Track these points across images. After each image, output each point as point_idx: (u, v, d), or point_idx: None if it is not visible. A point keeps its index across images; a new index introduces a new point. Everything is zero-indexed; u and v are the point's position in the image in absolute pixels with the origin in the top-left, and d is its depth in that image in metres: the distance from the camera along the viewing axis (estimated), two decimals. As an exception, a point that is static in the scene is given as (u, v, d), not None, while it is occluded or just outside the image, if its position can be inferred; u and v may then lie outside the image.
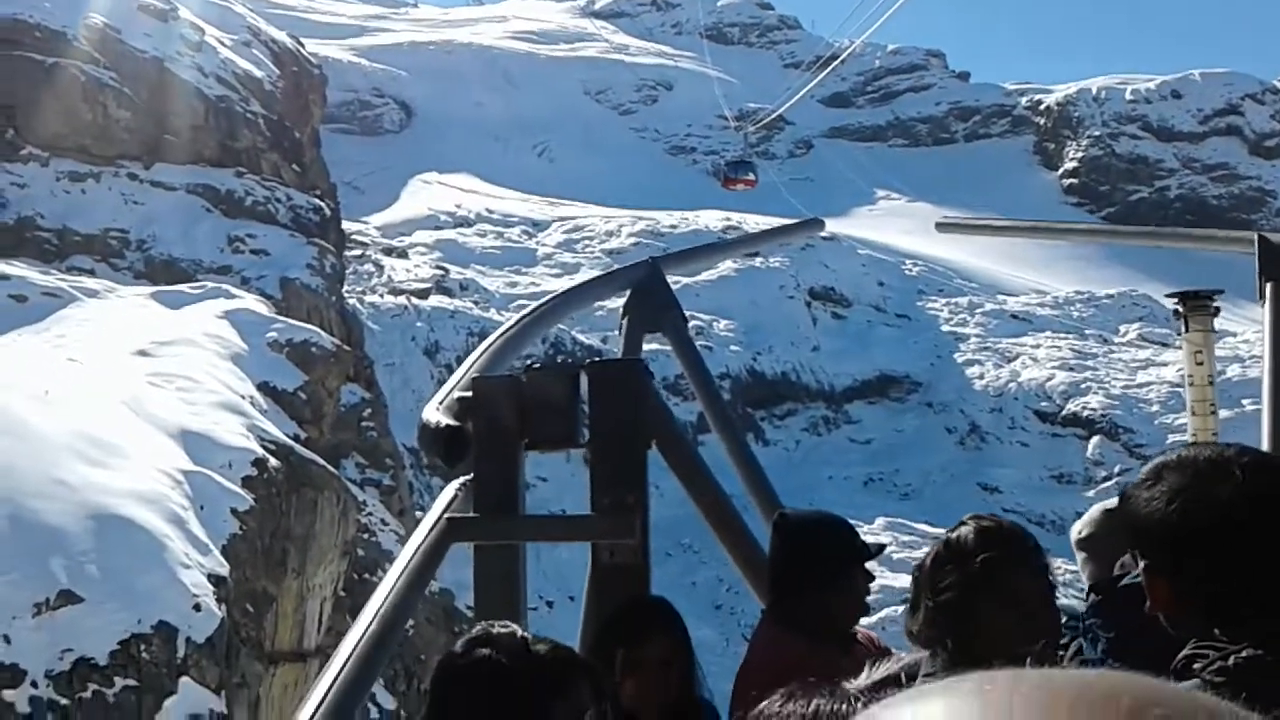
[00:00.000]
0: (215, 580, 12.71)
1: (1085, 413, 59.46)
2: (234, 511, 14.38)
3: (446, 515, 3.41)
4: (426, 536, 3.32)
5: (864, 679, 2.07)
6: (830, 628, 3.08)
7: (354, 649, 2.81)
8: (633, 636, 2.97)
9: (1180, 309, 7.45)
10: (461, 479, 3.58)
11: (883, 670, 2.10)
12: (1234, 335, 60.78)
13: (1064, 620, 3.72)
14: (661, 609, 3.14)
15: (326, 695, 2.69)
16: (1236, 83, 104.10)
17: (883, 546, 3.29)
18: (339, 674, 2.74)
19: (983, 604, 2.18)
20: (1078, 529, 3.45)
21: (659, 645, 2.97)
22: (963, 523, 2.33)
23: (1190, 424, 7.39)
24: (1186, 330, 7.38)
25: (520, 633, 1.98)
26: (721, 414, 6.22)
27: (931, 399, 63.03)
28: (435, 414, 3.59)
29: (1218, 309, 7.54)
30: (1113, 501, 3.08)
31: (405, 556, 3.25)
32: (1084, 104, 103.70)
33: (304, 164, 37.15)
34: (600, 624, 3.21)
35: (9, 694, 10.38)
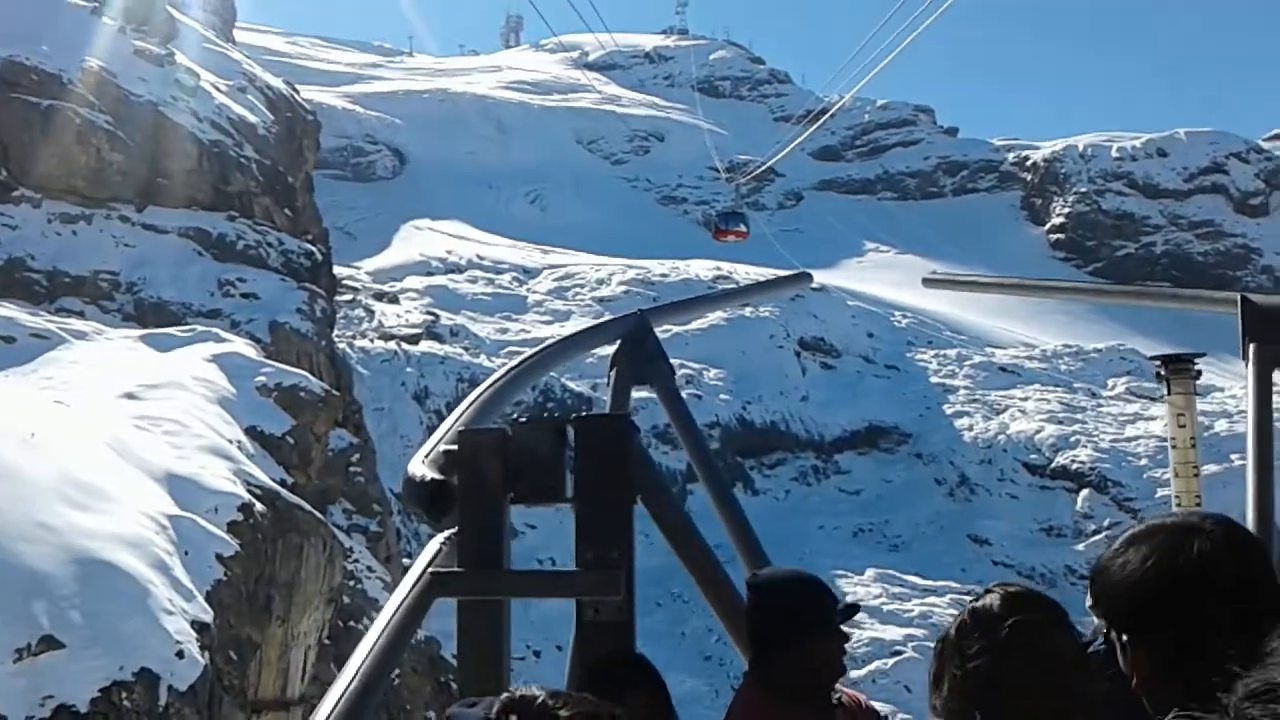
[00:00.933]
0: (199, 627, 12.56)
1: (1074, 465, 59.54)
2: (219, 557, 14.24)
3: (430, 570, 3.41)
4: (410, 591, 3.31)
5: None
6: (807, 688, 3.07)
7: (336, 705, 2.79)
8: (610, 693, 2.96)
9: (1162, 371, 7.50)
10: (446, 533, 3.58)
11: None
12: (1221, 390, 61.09)
13: None
14: (640, 666, 3.12)
15: None
16: (1221, 141, 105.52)
17: (857, 607, 3.29)
18: None
19: (1012, 671, 2.10)
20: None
21: (637, 702, 2.95)
22: (988, 590, 2.24)
23: (1174, 485, 7.40)
24: (1169, 393, 7.43)
25: (542, 697, 1.93)
26: (708, 466, 6.22)
27: (921, 450, 63.07)
28: (420, 467, 3.59)
29: (1199, 372, 7.60)
30: None
31: (389, 611, 3.24)
32: (1070, 160, 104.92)
33: (296, 209, 37.28)
34: (579, 680, 3.20)
35: (-15, 741, 10.20)
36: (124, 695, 11.17)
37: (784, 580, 3.33)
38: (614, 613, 3.47)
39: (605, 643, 3.43)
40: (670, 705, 3.03)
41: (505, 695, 1.89)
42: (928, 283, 13.14)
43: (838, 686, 3.23)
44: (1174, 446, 7.35)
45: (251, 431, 19.05)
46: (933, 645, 2.27)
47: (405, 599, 3.27)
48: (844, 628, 3.20)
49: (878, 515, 58.03)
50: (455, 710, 2.47)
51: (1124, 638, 1.88)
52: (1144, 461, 57.65)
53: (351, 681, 2.86)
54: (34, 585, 11.24)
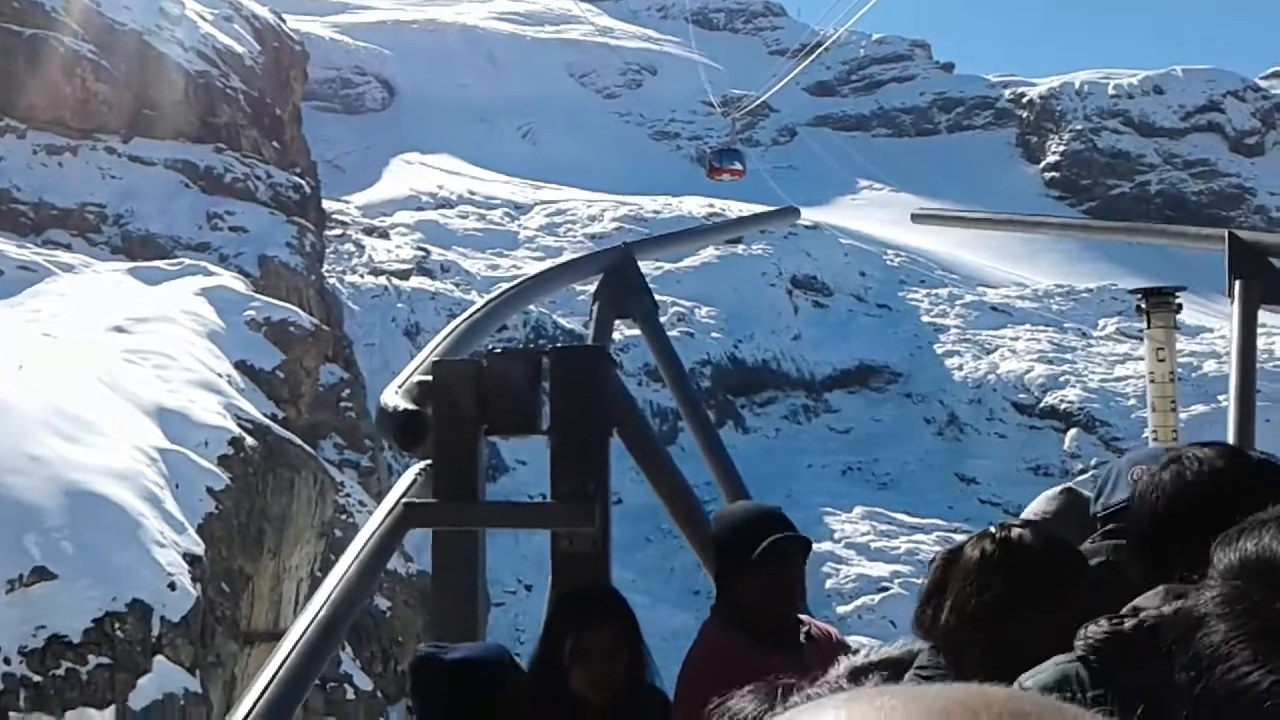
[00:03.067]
0: (190, 559, 12.63)
1: (1063, 405, 59.84)
2: (210, 490, 14.29)
3: (404, 500, 3.39)
4: (383, 521, 3.30)
5: (843, 666, 2.00)
6: (766, 617, 3.08)
7: (305, 630, 2.78)
8: (579, 625, 2.97)
9: (1143, 305, 7.47)
10: (421, 463, 3.55)
11: (881, 653, 2.04)
12: (1211, 331, 61.30)
13: None
14: (608, 597, 3.14)
15: (274, 678, 2.65)
16: (1219, 79, 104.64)
17: (810, 541, 3.28)
18: (286, 658, 2.70)
19: (1034, 609, 2.05)
20: (1035, 511, 3.37)
21: (605, 634, 2.97)
22: (1013, 525, 2.21)
23: (1150, 420, 7.39)
24: (1149, 326, 7.40)
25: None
26: (690, 401, 6.21)
27: (911, 389, 63.29)
28: (394, 398, 3.56)
29: (1179, 305, 7.57)
30: (1068, 484, 3.09)
31: (361, 540, 3.23)
32: (1067, 98, 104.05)
33: (284, 141, 36.86)
34: (549, 613, 3.21)
35: (-20, 671, 10.29)
36: (116, 626, 11.26)
37: (743, 511, 3.35)
38: (588, 544, 3.46)
39: (581, 574, 3.43)
40: (640, 636, 3.05)
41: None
42: (917, 218, 13.14)
43: (807, 619, 3.24)
44: (1152, 380, 7.34)
45: (241, 366, 19.02)
46: (930, 565, 2.22)
47: (378, 529, 3.26)
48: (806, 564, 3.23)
49: (867, 454, 58.38)
50: (424, 649, 2.47)
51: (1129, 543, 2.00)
52: (1132, 402, 57.97)
53: (322, 607, 2.86)
54: (25, 517, 11.27)
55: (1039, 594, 2.05)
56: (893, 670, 2.01)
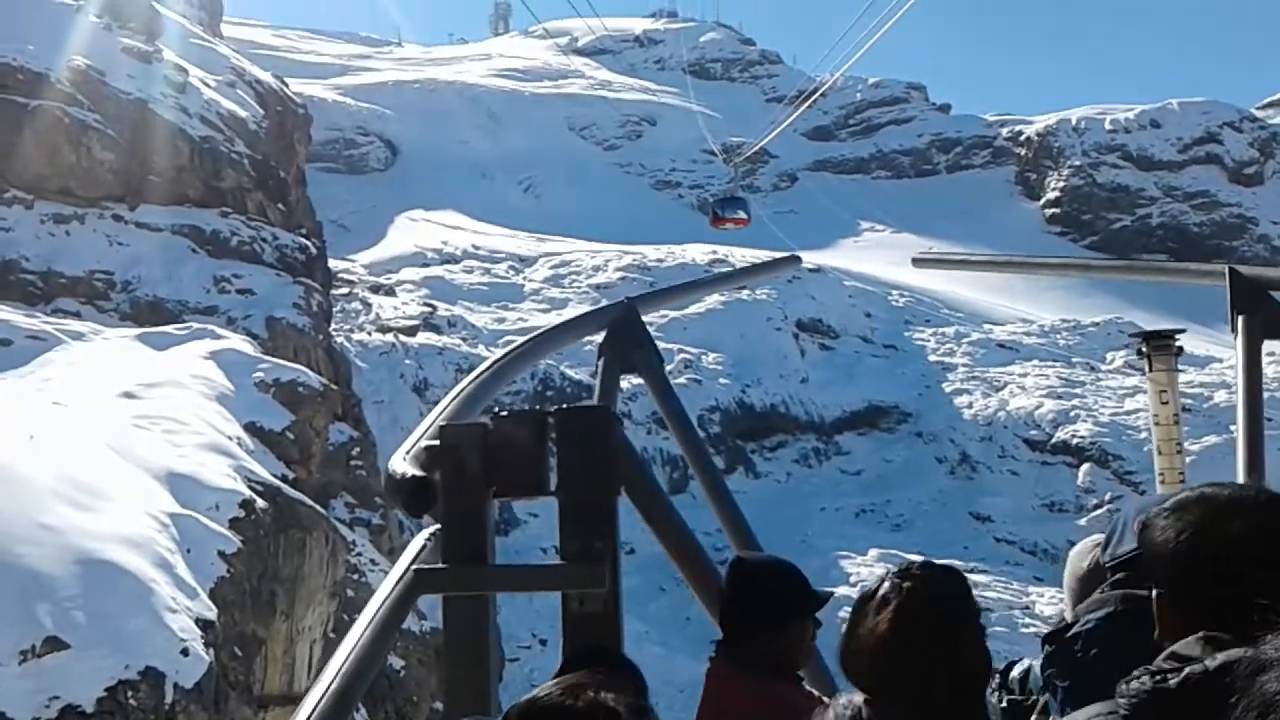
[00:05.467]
0: (203, 624, 12.56)
1: (1075, 440, 59.58)
2: (221, 554, 14.24)
3: (414, 566, 3.40)
4: (394, 588, 3.31)
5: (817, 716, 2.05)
6: (778, 669, 3.14)
7: (319, 701, 2.77)
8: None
9: (1143, 349, 7.47)
10: (431, 528, 3.56)
11: (830, 713, 2.10)
12: (1220, 361, 61.11)
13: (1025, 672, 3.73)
14: (619, 663, 3.13)
15: None
16: (1215, 111, 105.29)
17: (830, 594, 3.39)
18: None
19: (927, 657, 2.17)
20: (1084, 562, 3.37)
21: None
22: (913, 569, 2.29)
23: (1157, 463, 7.37)
24: (1150, 369, 7.41)
25: (553, 697, 1.94)
26: (697, 452, 6.22)
27: (921, 429, 63.10)
28: (402, 464, 3.58)
29: (1180, 349, 7.60)
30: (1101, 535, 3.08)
31: (372, 608, 3.23)
32: (1064, 134, 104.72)
33: (289, 203, 37.17)
34: (559, 674, 3.20)
35: (-7, 744, 10.20)
36: (130, 694, 11.17)
37: (761, 564, 3.40)
38: (599, 604, 3.46)
39: (593, 634, 3.42)
40: (646, 701, 3.05)
41: (519, 704, 1.89)
42: (918, 263, 13.17)
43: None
44: (1157, 423, 7.32)
45: (251, 427, 19.03)
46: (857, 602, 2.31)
47: (389, 596, 3.26)
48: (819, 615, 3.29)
49: (879, 495, 58.09)
50: None
51: (1157, 591, 1.97)
52: (1144, 435, 57.64)
53: (335, 678, 2.85)
54: (37, 587, 11.23)
55: (923, 638, 2.12)
56: None
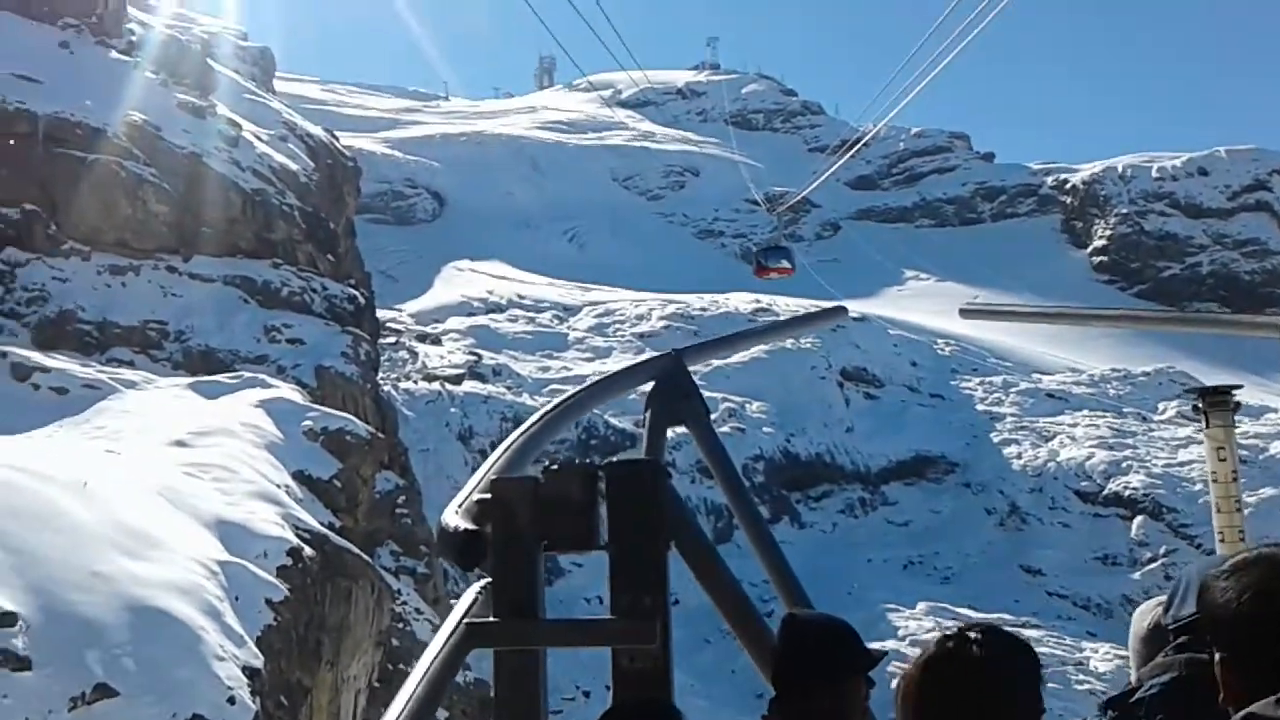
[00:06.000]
0: (250, 672, 12.59)
1: (1127, 492, 58.51)
2: (269, 602, 14.31)
3: (466, 620, 3.41)
4: (446, 642, 3.32)
5: None
6: None
7: None
8: None
9: (1200, 405, 7.35)
10: (482, 582, 3.58)
11: None
12: (1275, 411, 59.95)
13: None
14: (658, 709, 3.12)
15: None
16: (1263, 158, 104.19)
17: (885, 654, 3.34)
18: None
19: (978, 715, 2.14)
20: (1145, 622, 3.31)
21: None
22: (969, 631, 2.27)
23: (1216, 521, 7.23)
24: (1207, 426, 7.28)
25: None
26: (745, 506, 6.19)
27: (969, 479, 62.30)
28: (454, 517, 3.60)
29: (1238, 404, 7.46)
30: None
31: (425, 662, 3.24)
32: (1110, 182, 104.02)
33: (339, 254, 37.73)
34: None
35: (43, 791, 10.25)
36: (178, 743, 11.21)
37: (815, 621, 3.37)
38: (649, 661, 3.44)
39: (643, 690, 3.40)
40: None
41: None
42: (965, 314, 13.06)
43: None
44: (1215, 480, 7.18)
45: (299, 476, 19.19)
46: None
47: (441, 651, 3.27)
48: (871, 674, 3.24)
49: (927, 547, 57.28)
50: None
51: (1220, 655, 1.94)
52: (1198, 486, 56.50)
53: None
54: (88, 634, 11.34)
55: (981, 701, 2.11)
56: None
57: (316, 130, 43.74)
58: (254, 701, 12.35)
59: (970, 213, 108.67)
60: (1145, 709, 2.61)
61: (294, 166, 37.77)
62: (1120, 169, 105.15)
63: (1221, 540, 7.13)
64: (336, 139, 45.74)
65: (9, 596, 11.16)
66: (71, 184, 30.83)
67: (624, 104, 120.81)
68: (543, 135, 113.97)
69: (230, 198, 33.55)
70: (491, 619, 3.47)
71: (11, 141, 30.25)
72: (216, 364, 28.21)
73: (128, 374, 23.53)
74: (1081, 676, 42.07)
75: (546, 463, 4.40)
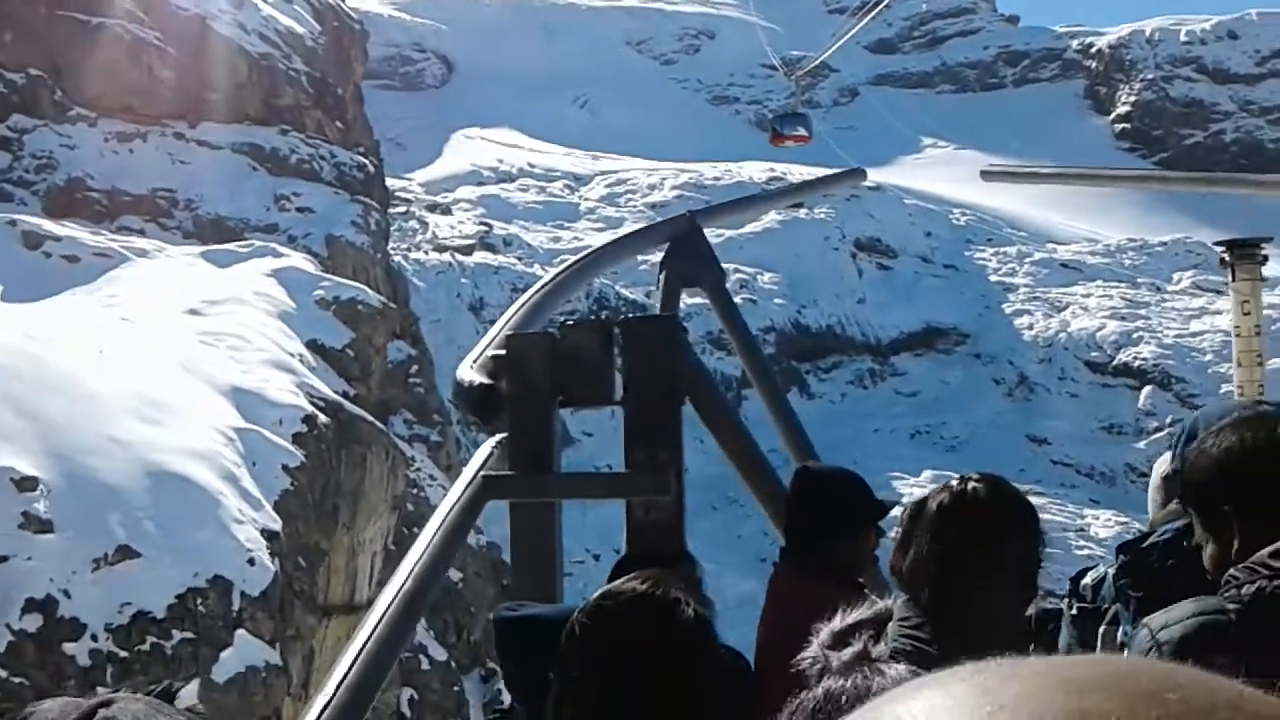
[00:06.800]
0: (268, 535, 12.93)
1: (1137, 363, 58.65)
2: (285, 468, 14.59)
3: (482, 473, 3.45)
4: (463, 494, 3.37)
5: (838, 621, 2.07)
6: (841, 575, 3.15)
7: (391, 602, 2.86)
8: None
9: (1227, 257, 7.30)
10: (497, 436, 3.60)
11: (855, 614, 2.09)
12: (1292, 282, 59.43)
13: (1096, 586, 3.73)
14: (677, 557, 3.19)
15: (365, 645, 2.74)
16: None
17: (894, 503, 3.38)
18: (376, 626, 2.79)
19: (983, 563, 2.19)
20: (1162, 468, 3.38)
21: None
22: (971, 478, 2.33)
23: (1236, 375, 7.26)
24: (1234, 279, 7.24)
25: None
26: (760, 368, 6.22)
27: (979, 350, 62.45)
28: (469, 372, 3.60)
29: (1266, 257, 7.40)
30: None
31: (442, 512, 3.30)
32: (1137, 46, 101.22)
33: (347, 121, 37.21)
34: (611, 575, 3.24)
35: (70, 647, 10.66)
36: (199, 601, 11.59)
37: (827, 472, 3.41)
38: (664, 513, 3.50)
39: (657, 542, 3.47)
40: (707, 603, 3.09)
41: (598, 593, 1.95)
42: (986, 175, 12.85)
43: None
44: (1238, 334, 7.18)
45: (312, 344, 19.34)
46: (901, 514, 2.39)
47: (457, 502, 3.33)
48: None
49: (935, 417, 57.79)
50: (500, 612, 2.53)
51: (1222, 510, 1.94)
52: (1209, 357, 56.59)
53: (406, 580, 2.94)
54: (108, 498, 11.62)
55: (983, 544, 2.17)
56: (874, 627, 2.09)
57: (321, -9, 42.61)
58: (273, 563, 12.71)
59: (992, 78, 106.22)
60: (1157, 554, 2.67)
61: (300, 29, 36.94)
62: (1148, 32, 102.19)
63: (1240, 394, 7.17)
64: (343, 0, 44.62)
65: (30, 461, 11.40)
66: (75, 48, 30.28)
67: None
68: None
69: (236, 63, 32.94)
70: (508, 472, 3.53)
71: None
72: (227, 233, 28.12)
73: (139, 242, 23.53)
74: (1082, 542, 42.90)
75: (561, 319, 4.41)
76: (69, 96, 30.34)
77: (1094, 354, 60.22)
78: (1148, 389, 57.38)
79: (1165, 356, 58.44)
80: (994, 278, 67.81)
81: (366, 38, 45.27)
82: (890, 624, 2.17)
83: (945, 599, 2.17)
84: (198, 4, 33.31)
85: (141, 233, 26.82)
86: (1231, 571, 1.82)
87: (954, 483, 2.33)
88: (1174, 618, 1.82)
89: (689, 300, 6.45)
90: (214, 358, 16.22)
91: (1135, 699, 0.42)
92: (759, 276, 61.28)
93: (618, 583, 2.06)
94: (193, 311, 18.27)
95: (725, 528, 38.42)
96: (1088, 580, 3.76)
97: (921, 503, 2.34)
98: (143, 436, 12.67)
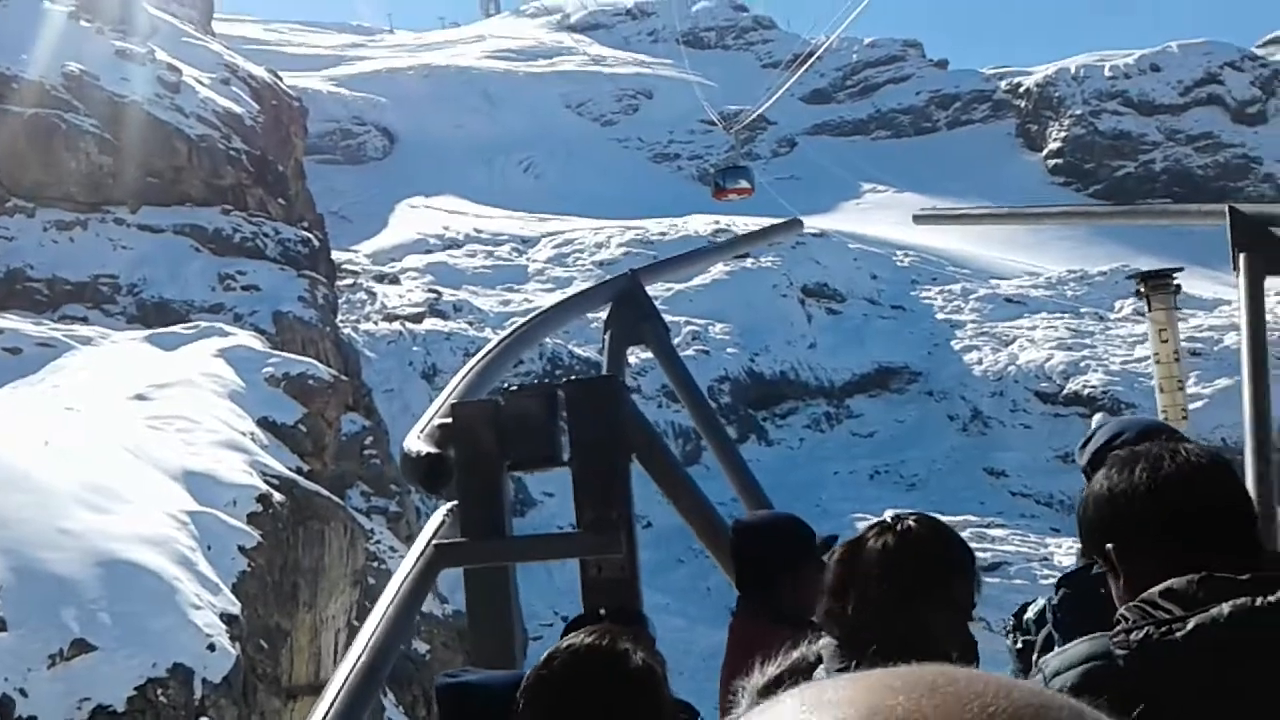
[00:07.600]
0: (227, 619, 12.70)
1: (1086, 391, 59.52)
2: (241, 549, 14.38)
3: (434, 541, 3.46)
4: (416, 563, 3.37)
5: (758, 677, 1.97)
6: (793, 615, 3.18)
7: (346, 679, 2.84)
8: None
9: (1142, 289, 7.53)
10: (449, 504, 3.62)
11: (776, 667, 2.02)
12: (1229, 304, 60.73)
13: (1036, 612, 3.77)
14: (620, 615, 3.19)
15: None
16: (1215, 51, 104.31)
17: (835, 537, 3.43)
18: (332, 705, 2.77)
19: (939, 603, 2.18)
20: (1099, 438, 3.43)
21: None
22: (905, 518, 2.31)
23: (1159, 400, 7.43)
24: (1150, 309, 7.46)
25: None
26: (707, 421, 6.27)
27: (932, 388, 63.09)
28: (417, 442, 3.63)
29: (1178, 286, 7.62)
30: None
31: (395, 583, 3.30)
32: (1063, 84, 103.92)
33: (290, 197, 37.20)
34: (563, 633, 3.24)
35: (28, 747, 10.36)
36: (159, 691, 11.33)
37: (760, 522, 3.48)
38: (617, 570, 3.53)
39: (612, 600, 3.48)
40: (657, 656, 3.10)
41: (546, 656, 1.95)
42: (919, 219, 13.16)
43: None
44: (1158, 361, 7.38)
45: (264, 422, 19.15)
46: (832, 559, 2.34)
47: (410, 572, 3.34)
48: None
49: (893, 456, 58.16)
50: (439, 679, 2.53)
51: (1105, 549, 1.92)
52: (1155, 381, 57.47)
53: (361, 655, 2.93)
54: (61, 591, 11.37)
55: (939, 584, 2.16)
56: (803, 676, 2.02)
57: (259, 71, 42.78)
58: (234, 647, 12.48)
59: (925, 122, 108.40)
60: (1103, 582, 2.70)
61: (238, 110, 37.01)
62: (1073, 69, 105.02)
63: (1164, 418, 7.33)
64: (280, 79, 44.78)
65: (-22, 559, 11.15)
66: (13, 140, 30.12)
67: (573, 28, 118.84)
68: (492, 65, 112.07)
69: (175, 145, 32.91)
70: (459, 539, 3.53)
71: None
72: (172, 315, 27.91)
73: (82, 330, 23.27)
74: (1047, 572, 43.11)
75: (506, 385, 4.44)
76: (6, 188, 30.12)
77: (1044, 384, 61.06)
78: (1098, 416, 57.64)
79: (1113, 383, 59.39)
80: (941, 316, 68.73)
81: (305, 114, 45.42)
82: (819, 670, 2.14)
83: (899, 642, 2.15)
84: (136, 90, 33.32)
85: (85, 320, 26.55)
86: (1121, 611, 1.80)
87: (888, 522, 2.30)
88: (1065, 662, 1.81)
89: (644, 355, 6.50)
90: (163, 441, 16.02)
91: (920, 692, 0.48)
92: (710, 327, 61.65)
93: (565, 640, 2.07)
94: (139, 397, 18.04)
95: (692, 580, 38.23)
96: (1030, 615, 3.82)
97: (855, 545, 2.29)
98: (93, 526, 12.45)
